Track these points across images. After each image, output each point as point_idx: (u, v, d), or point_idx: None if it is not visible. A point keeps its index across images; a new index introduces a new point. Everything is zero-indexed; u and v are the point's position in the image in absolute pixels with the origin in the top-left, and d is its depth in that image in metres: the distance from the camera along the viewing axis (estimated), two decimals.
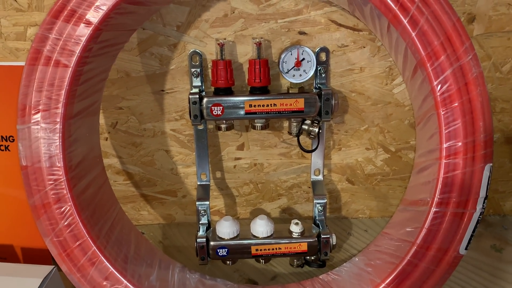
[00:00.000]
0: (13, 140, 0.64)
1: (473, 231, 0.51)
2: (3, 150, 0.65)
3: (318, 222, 0.68)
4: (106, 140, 0.72)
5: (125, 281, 0.54)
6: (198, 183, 0.71)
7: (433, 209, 0.50)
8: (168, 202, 0.79)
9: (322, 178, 0.71)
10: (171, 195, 0.78)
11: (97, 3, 0.49)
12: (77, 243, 0.52)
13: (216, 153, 0.74)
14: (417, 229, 0.51)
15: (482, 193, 0.50)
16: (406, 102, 0.69)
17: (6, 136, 0.64)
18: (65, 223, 0.51)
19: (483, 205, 0.50)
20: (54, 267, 0.55)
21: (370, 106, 0.70)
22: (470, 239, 0.51)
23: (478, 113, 0.49)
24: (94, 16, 0.49)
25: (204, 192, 0.70)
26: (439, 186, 0.49)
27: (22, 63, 0.53)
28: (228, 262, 0.67)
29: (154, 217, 0.81)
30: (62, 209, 0.51)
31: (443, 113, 0.49)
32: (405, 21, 0.48)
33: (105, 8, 0.49)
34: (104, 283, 0.53)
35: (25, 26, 0.64)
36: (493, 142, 0.51)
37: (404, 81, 0.64)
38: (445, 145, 0.49)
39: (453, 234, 0.50)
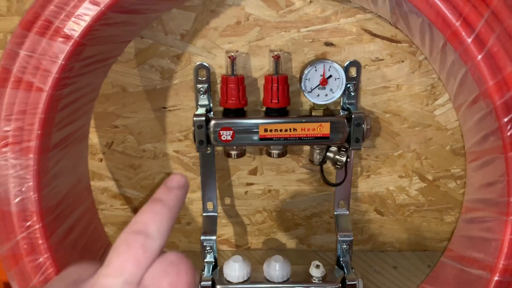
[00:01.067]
0: None
1: None
2: None
3: (342, 263, 0.58)
4: (101, 161, 0.64)
5: None
6: (204, 214, 0.62)
7: (496, 278, 0.39)
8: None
9: (348, 212, 0.62)
10: None
11: (77, 13, 0.39)
12: None
13: (225, 178, 0.65)
14: None
15: None
16: (449, 125, 0.59)
17: None
18: (41, 279, 0.42)
19: None
20: None
21: (407, 129, 0.60)
22: None
23: None
24: (74, 28, 0.39)
25: (210, 224, 0.61)
26: (505, 249, 0.39)
27: None
28: None
29: None
30: (37, 262, 0.42)
31: None
32: (468, 41, 0.37)
33: (87, 18, 0.39)
34: None
35: (5, 32, 0.55)
36: None
37: (454, 107, 0.53)
38: None
39: None
